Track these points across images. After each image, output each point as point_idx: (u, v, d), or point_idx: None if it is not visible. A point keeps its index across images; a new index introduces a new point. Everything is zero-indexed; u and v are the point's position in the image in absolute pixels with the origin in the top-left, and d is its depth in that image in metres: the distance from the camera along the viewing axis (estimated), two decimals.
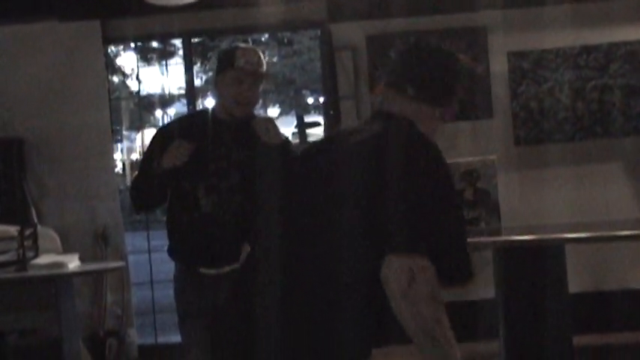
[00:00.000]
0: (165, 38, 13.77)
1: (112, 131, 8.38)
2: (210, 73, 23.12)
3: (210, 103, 22.72)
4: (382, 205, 2.65)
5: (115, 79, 21.12)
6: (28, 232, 6.34)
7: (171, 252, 4.66)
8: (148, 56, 23.49)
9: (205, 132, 4.48)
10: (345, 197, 2.76)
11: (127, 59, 22.86)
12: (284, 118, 21.61)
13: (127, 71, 23.00)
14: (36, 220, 7.25)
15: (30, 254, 6.28)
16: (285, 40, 22.26)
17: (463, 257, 2.79)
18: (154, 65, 24.32)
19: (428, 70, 3.06)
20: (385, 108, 3.08)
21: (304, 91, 23.52)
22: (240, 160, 4.39)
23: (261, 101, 5.95)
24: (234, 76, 4.41)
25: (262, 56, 4.52)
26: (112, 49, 14.15)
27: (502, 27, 7.80)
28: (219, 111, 4.56)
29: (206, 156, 4.42)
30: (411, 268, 2.52)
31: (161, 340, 7.93)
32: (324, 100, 8.20)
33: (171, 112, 24.30)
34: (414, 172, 2.72)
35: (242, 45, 4.62)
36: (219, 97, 4.63)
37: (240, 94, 4.41)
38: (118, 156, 21.48)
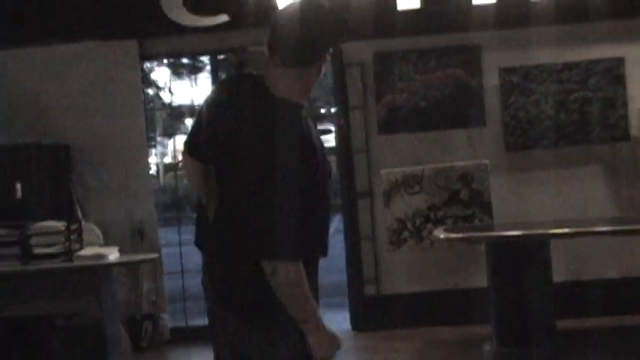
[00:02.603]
0: (194, 55, 13.83)
1: (147, 138, 8.37)
2: None
3: None
4: (257, 212, 2.85)
5: (150, 91, 21.08)
6: (73, 227, 6.38)
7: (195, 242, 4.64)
8: (179, 71, 23.47)
9: None
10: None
11: (160, 74, 22.85)
12: None
13: (161, 84, 22.98)
14: (80, 216, 7.25)
15: (75, 247, 6.32)
16: None
17: (324, 238, 3.02)
18: (184, 79, 24.31)
19: (287, 37, 2.92)
20: (267, 82, 2.98)
21: (318, 102, 23.46)
22: None
23: None
24: None
25: None
26: (147, 65, 14.09)
27: (494, 45, 7.76)
28: None
29: None
30: (274, 266, 2.80)
31: (191, 323, 7.91)
32: (336, 110, 8.16)
33: None
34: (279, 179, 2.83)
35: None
36: None
37: None
38: (152, 160, 21.46)
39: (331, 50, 3.12)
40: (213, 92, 3.13)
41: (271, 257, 2.81)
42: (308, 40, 2.92)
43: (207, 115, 3.03)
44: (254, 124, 2.90)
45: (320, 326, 2.89)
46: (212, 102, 3.06)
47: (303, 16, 2.90)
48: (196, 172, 3.11)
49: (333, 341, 2.91)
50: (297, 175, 2.83)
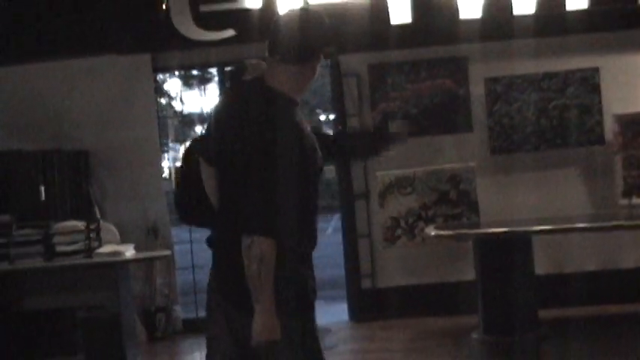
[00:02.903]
0: (203, 67, 13.81)
1: (160, 144, 8.39)
2: None
3: None
4: (240, 190, 2.93)
5: (163, 101, 21.20)
6: (92, 226, 6.48)
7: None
8: (190, 82, 23.54)
9: None
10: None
11: (172, 85, 22.94)
12: None
13: (173, 94, 23.09)
14: (99, 216, 7.31)
15: (94, 244, 6.42)
16: None
17: (312, 227, 3.08)
18: (194, 89, 24.39)
19: (286, 36, 3.06)
20: (266, 79, 3.10)
21: (317, 110, 23.52)
22: None
23: None
24: None
25: None
26: (160, 76, 14.16)
27: (480, 57, 7.79)
28: None
29: None
30: (251, 240, 2.85)
31: (201, 315, 7.55)
32: (334, 117, 8.19)
33: None
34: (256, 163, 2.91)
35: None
36: None
37: None
38: (165, 164, 21.52)
39: (325, 52, 3.18)
40: (218, 100, 3.26)
41: (250, 231, 2.85)
42: (304, 37, 3.06)
43: (213, 120, 3.16)
44: (251, 113, 3.00)
45: (269, 311, 2.87)
46: (217, 108, 3.19)
47: (301, 18, 3.08)
48: (210, 176, 3.15)
49: (271, 330, 2.88)
50: (285, 160, 2.90)
